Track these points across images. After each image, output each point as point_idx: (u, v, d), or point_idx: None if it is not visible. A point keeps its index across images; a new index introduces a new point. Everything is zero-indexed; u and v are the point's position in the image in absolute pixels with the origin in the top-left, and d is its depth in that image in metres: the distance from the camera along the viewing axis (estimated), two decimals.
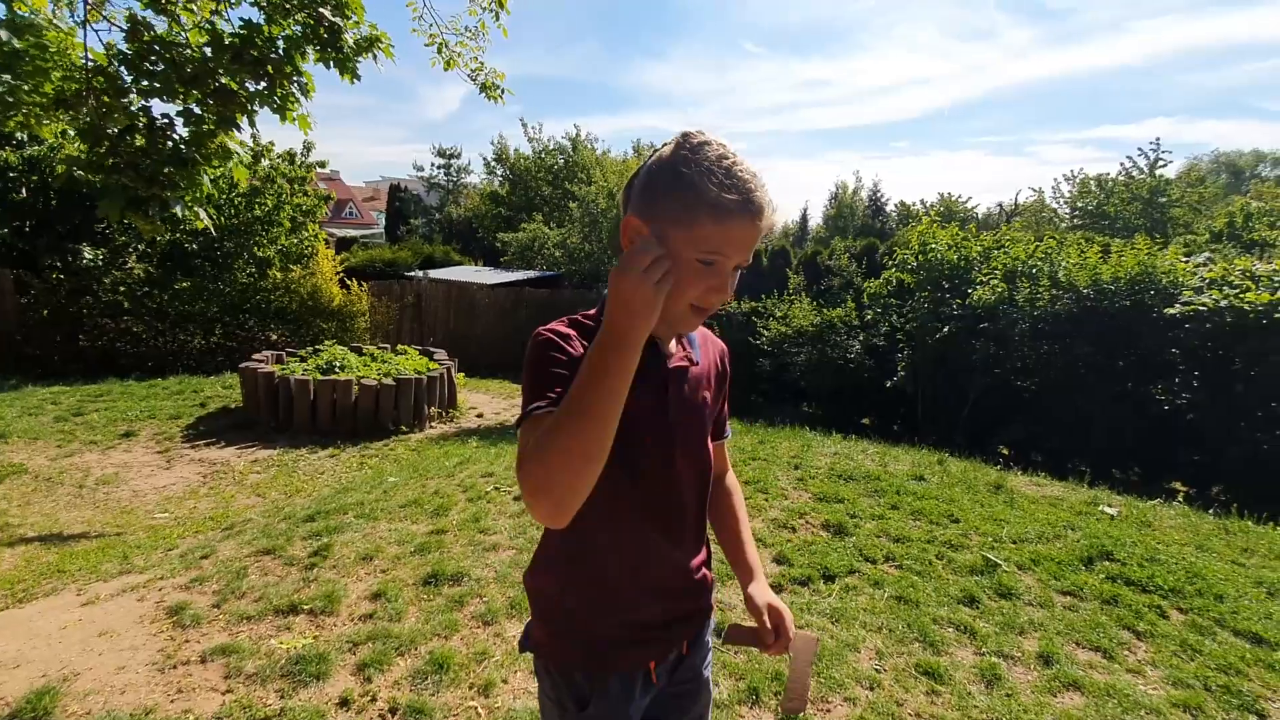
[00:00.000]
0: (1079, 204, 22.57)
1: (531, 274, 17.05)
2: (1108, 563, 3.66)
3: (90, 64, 4.09)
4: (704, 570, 1.21)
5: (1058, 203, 24.99)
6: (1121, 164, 21.51)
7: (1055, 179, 40.81)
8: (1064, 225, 22.26)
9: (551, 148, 25.18)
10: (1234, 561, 3.86)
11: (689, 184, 0.91)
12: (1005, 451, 9.10)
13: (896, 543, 3.88)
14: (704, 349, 1.20)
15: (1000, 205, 29.90)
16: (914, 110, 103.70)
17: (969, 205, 28.85)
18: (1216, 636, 3.02)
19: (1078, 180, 23.42)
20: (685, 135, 0.96)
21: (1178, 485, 7.06)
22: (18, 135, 9.33)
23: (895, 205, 34.21)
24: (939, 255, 9.98)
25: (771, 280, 13.73)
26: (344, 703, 2.32)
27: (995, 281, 9.17)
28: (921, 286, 10.10)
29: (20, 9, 4.01)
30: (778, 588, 3.31)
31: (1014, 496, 4.82)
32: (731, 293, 1.01)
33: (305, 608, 2.90)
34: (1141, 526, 4.35)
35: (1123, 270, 7.99)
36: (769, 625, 1.18)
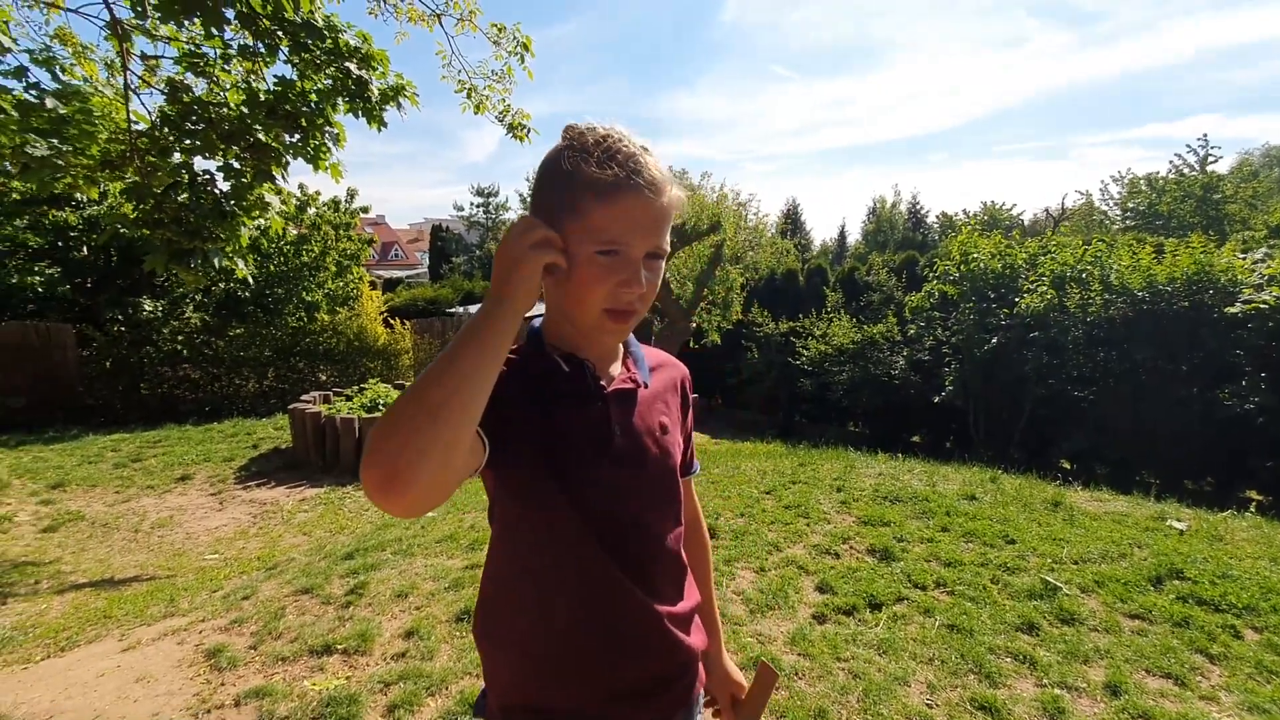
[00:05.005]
0: (1130, 205, 21.79)
1: None
2: (1177, 581, 3.41)
3: (135, 126, 4.32)
4: (690, 624, 1.04)
5: (1107, 205, 24.19)
6: (1171, 161, 20.77)
7: (1103, 181, 39.54)
8: (1115, 227, 21.51)
9: None
10: None
11: (568, 170, 0.86)
12: (1067, 465, 8.69)
13: (948, 567, 3.69)
14: (657, 372, 1.08)
15: (1047, 210, 29.10)
16: (949, 121, 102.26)
17: (1014, 212, 28.16)
18: None
19: (1127, 181, 22.68)
20: (567, 127, 0.91)
21: (1253, 494, 6.60)
22: (77, 196, 9.91)
23: (937, 217, 33.67)
24: (982, 264, 9.72)
25: (809, 299, 13.57)
26: None
27: (1044, 288, 8.86)
28: (966, 298, 9.82)
29: (72, 77, 4.28)
30: (821, 618, 3.18)
31: (1074, 514, 4.55)
32: (649, 286, 0.89)
33: (339, 647, 2.90)
34: (1212, 540, 4.05)
35: (1178, 270, 7.63)
36: (730, 702, 1.19)
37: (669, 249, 0.92)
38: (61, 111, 4.01)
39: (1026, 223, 29.06)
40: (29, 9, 4.73)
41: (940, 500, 4.70)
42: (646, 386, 1.02)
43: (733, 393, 14.45)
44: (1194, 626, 3.01)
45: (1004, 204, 28.06)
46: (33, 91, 3.91)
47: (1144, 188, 21.57)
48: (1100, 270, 8.54)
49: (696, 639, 1.04)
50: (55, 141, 4.01)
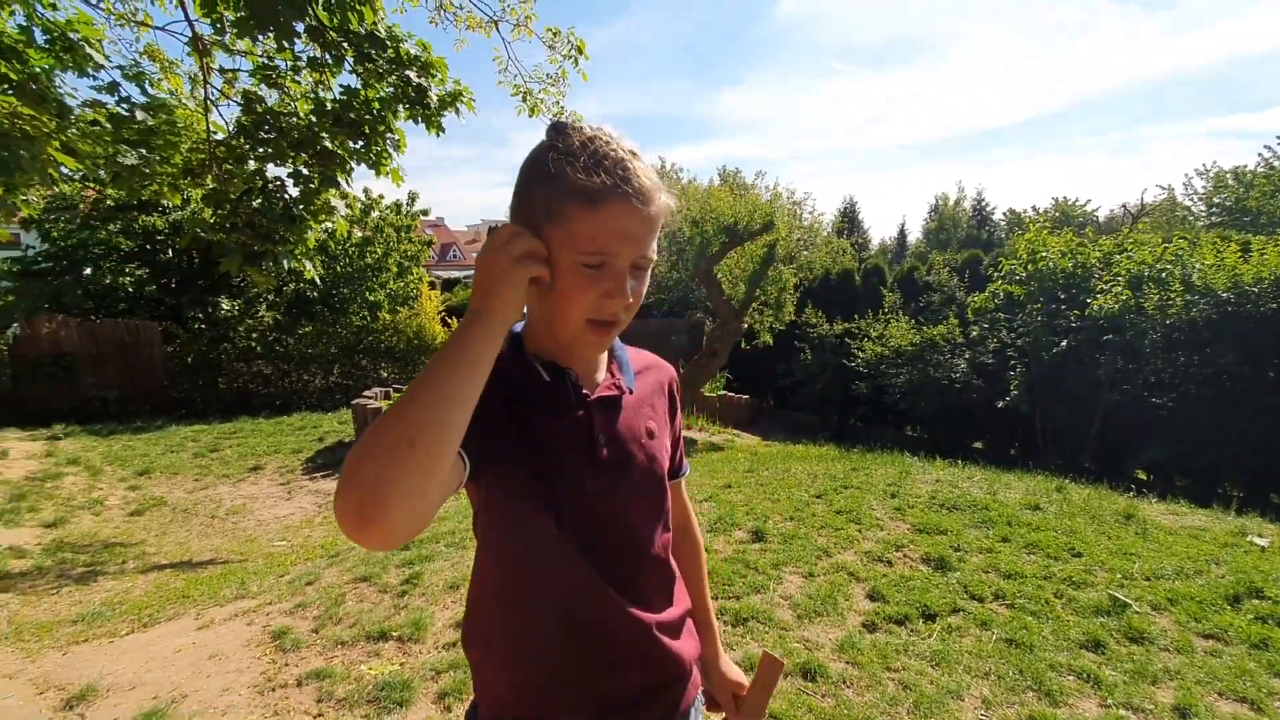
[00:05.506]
0: (1215, 200, 20.51)
1: None
2: (1257, 601, 3.20)
3: (215, 136, 4.58)
4: (682, 631, 1.01)
5: (1190, 200, 22.81)
6: (1260, 154, 19.41)
7: (1186, 175, 37.25)
8: (1200, 224, 20.26)
9: None
10: None
11: (554, 174, 0.80)
12: (1143, 476, 8.25)
13: (1007, 579, 3.56)
14: (643, 376, 1.05)
15: (1124, 206, 27.58)
16: (1018, 114, 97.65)
17: (1088, 208, 26.88)
18: None
19: (1212, 175, 21.33)
20: (554, 125, 0.85)
21: None
22: (163, 202, 10.58)
23: (1004, 214, 32.43)
24: (1052, 264, 9.32)
25: (866, 300, 13.26)
26: None
27: (1118, 289, 8.43)
28: (1033, 298, 9.44)
29: (159, 91, 4.57)
30: (871, 626, 3.12)
31: (1147, 527, 4.33)
32: (634, 297, 0.86)
33: (394, 634, 3.01)
34: None
35: (1266, 270, 7.15)
36: (732, 701, 1.15)
37: (655, 257, 0.89)
38: (150, 123, 4.29)
39: (1101, 219, 27.62)
40: (121, 27, 5.08)
41: (1001, 509, 4.54)
42: (631, 392, 1.00)
43: (785, 394, 14.25)
44: (1273, 648, 2.83)
45: (1077, 200, 26.83)
46: (124, 105, 4.20)
47: (1230, 182, 20.28)
48: (1181, 270, 8.06)
49: (688, 645, 1.02)
50: (144, 151, 4.30)
